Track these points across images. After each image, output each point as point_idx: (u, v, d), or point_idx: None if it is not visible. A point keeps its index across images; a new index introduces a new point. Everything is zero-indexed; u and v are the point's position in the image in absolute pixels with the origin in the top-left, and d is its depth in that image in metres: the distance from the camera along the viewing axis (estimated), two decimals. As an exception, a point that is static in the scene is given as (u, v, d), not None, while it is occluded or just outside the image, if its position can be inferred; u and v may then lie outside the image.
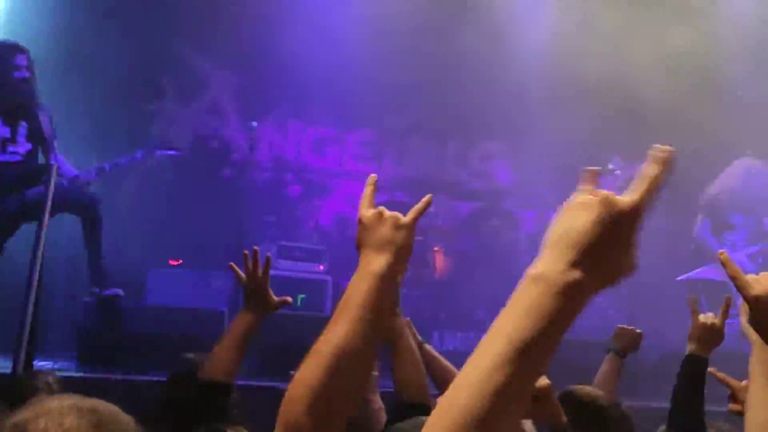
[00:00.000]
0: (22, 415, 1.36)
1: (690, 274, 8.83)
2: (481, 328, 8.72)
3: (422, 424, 1.14)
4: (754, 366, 2.14)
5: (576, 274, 1.13)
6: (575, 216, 1.17)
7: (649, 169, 1.16)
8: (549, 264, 1.15)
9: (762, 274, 1.93)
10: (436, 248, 9.22)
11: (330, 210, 10.83)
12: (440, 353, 8.49)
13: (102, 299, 6.84)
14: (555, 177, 10.14)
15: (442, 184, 10.11)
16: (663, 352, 7.02)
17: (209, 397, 3.05)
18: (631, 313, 7.94)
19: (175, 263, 8.73)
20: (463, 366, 1.12)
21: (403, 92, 9.86)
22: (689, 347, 3.25)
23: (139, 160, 7.10)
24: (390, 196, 10.04)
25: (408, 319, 4.20)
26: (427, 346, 4.12)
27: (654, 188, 1.16)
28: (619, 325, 4.18)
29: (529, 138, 9.76)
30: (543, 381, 2.63)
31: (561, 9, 9.64)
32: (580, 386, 3.51)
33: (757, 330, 1.94)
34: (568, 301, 1.12)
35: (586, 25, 9.63)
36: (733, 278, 1.82)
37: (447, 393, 1.10)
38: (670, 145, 1.17)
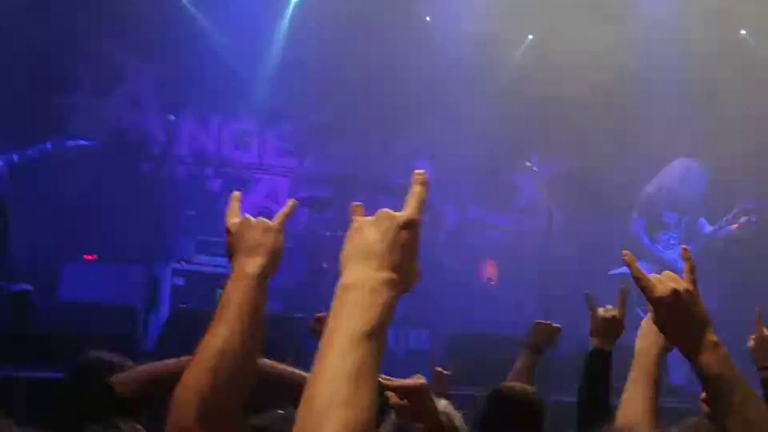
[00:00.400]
0: None
1: (623, 268, 8.97)
2: (400, 322, 8.76)
3: (279, 417, 1.18)
4: (634, 362, 2.31)
5: (385, 273, 1.28)
6: (364, 233, 1.32)
7: (414, 189, 1.34)
8: (356, 273, 1.28)
9: (664, 273, 1.95)
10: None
11: (251, 205, 10.70)
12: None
13: (10, 295, 6.63)
14: (475, 172, 10.25)
15: (364, 179, 10.09)
16: (583, 346, 7.11)
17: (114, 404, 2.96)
18: (547, 308, 8.04)
19: (90, 258, 8.52)
20: (314, 368, 1.21)
21: (324, 87, 9.81)
22: (592, 342, 3.28)
23: (50, 151, 6.89)
24: (312, 191, 9.98)
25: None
26: None
27: (420, 204, 1.33)
28: (536, 321, 4.20)
29: (451, 134, 9.81)
30: (418, 380, 2.66)
31: (487, 6, 9.70)
32: (509, 384, 3.52)
33: (660, 330, 1.97)
34: (383, 295, 1.26)
35: (510, 24, 9.72)
36: (637, 279, 1.89)
37: (307, 390, 1.18)
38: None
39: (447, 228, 9.84)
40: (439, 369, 4.53)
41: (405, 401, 2.54)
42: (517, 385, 3.43)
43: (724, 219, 8.92)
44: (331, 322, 1.24)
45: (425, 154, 10.74)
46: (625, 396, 2.36)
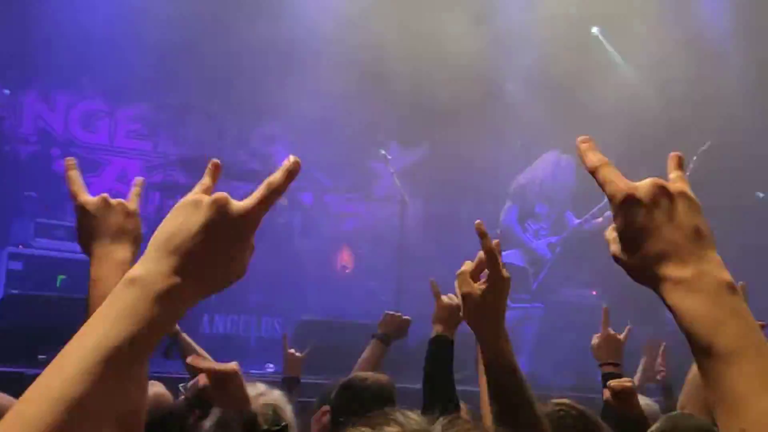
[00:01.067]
0: None
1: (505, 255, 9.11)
2: (253, 310, 8.60)
3: None
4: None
5: (176, 279, 1.06)
6: (186, 217, 1.11)
7: (272, 177, 1.12)
8: (150, 267, 1.06)
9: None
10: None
11: (101, 188, 10.19)
12: (210, 337, 8.28)
13: None
14: (332, 160, 10.17)
15: (220, 163, 9.84)
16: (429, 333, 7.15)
17: None
18: (399, 298, 8.06)
19: None
20: (44, 370, 0.97)
21: (179, 68, 9.50)
22: (435, 329, 3.27)
23: None
24: (165, 174, 9.68)
25: None
26: (183, 335, 3.93)
27: (270, 195, 1.12)
28: (386, 311, 4.17)
29: (310, 120, 9.70)
30: (232, 365, 2.59)
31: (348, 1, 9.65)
32: (361, 375, 3.47)
33: (469, 325, 1.93)
34: (165, 306, 1.04)
35: (373, 17, 9.67)
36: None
37: (18, 403, 0.94)
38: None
39: (303, 215, 9.72)
40: (292, 351, 4.45)
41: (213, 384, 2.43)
42: (370, 375, 3.39)
43: (590, 212, 9.15)
44: (95, 316, 1.01)
45: (284, 139, 10.58)
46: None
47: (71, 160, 1.80)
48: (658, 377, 4.75)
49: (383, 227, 9.61)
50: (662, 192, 1.10)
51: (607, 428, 2.79)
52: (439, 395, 3.15)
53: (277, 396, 2.75)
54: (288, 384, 4.06)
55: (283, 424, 2.37)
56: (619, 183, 1.13)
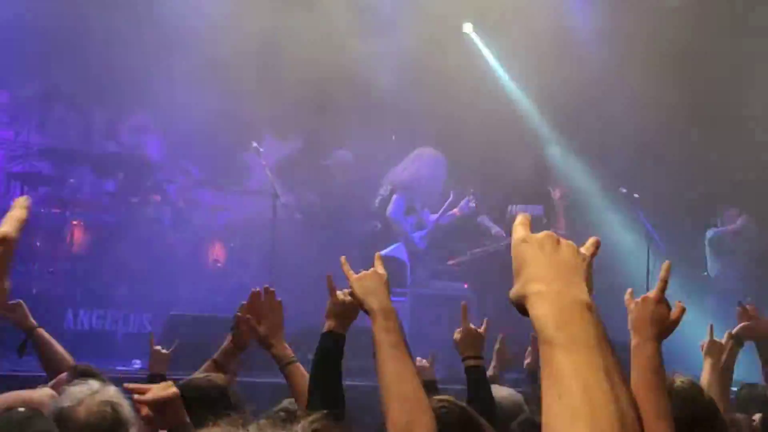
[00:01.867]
0: None
1: (384, 251, 9.15)
2: (120, 305, 8.40)
3: None
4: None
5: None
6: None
7: (14, 211, 1.27)
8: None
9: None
10: (74, 222, 8.70)
11: (-42, 179, 9.84)
12: (75, 333, 8.05)
13: None
14: (204, 152, 10.04)
15: (88, 155, 9.57)
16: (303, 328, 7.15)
17: None
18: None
19: None
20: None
21: (44, 54, 9.17)
22: (327, 324, 3.29)
23: None
24: (29, 165, 9.34)
25: (19, 300, 3.89)
26: (40, 331, 3.83)
27: (19, 223, 1.26)
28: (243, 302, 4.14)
29: (181, 110, 9.53)
30: (170, 389, 2.58)
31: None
32: (199, 376, 3.45)
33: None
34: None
35: (242, 7, 9.59)
36: None
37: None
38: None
39: (173, 208, 9.55)
40: (158, 348, 4.41)
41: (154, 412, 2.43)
42: (202, 377, 3.39)
43: (446, 204, 9.33)
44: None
45: (155, 129, 10.35)
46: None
47: None
48: (525, 365, 4.92)
49: (256, 221, 9.55)
50: (550, 238, 1.33)
51: (487, 425, 2.87)
52: (324, 390, 3.17)
53: (113, 393, 2.74)
54: (153, 381, 4.01)
55: None
56: (524, 231, 1.35)
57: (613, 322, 1.51)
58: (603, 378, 1.15)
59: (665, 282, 2.47)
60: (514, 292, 1.30)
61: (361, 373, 5.26)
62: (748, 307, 4.28)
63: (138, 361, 7.40)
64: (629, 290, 2.57)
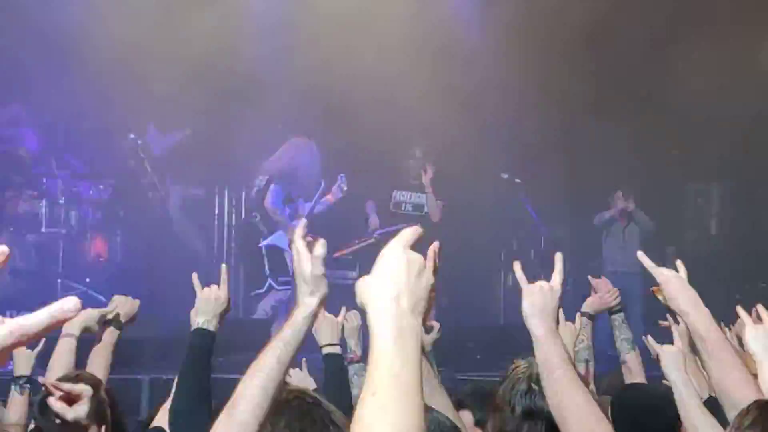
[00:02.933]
0: None
1: (266, 241, 9.07)
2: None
3: None
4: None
5: None
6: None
7: None
8: None
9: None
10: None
11: None
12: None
13: None
14: (84, 145, 9.74)
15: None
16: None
17: None
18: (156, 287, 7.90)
19: None
20: None
21: None
22: (198, 320, 3.26)
23: None
24: None
25: None
26: None
27: None
28: (116, 295, 4.09)
29: (56, 104, 9.21)
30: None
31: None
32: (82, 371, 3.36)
33: None
34: None
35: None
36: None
37: None
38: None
39: (51, 202, 9.22)
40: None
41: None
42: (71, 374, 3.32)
43: (319, 192, 9.33)
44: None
45: (31, 122, 9.95)
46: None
47: None
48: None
49: (138, 214, 9.35)
50: (418, 263, 1.48)
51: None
52: (194, 385, 3.14)
53: None
54: (19, 382, 3.88)
55: None
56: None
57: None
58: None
59: (561, 272, 2.57)
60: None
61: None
62: (594, 281, 4.51)
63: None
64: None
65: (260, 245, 9.05)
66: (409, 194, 9.46)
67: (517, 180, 9.81)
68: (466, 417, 3.50)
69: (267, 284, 9.01)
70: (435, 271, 1.50)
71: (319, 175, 9.41)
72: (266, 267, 9.03)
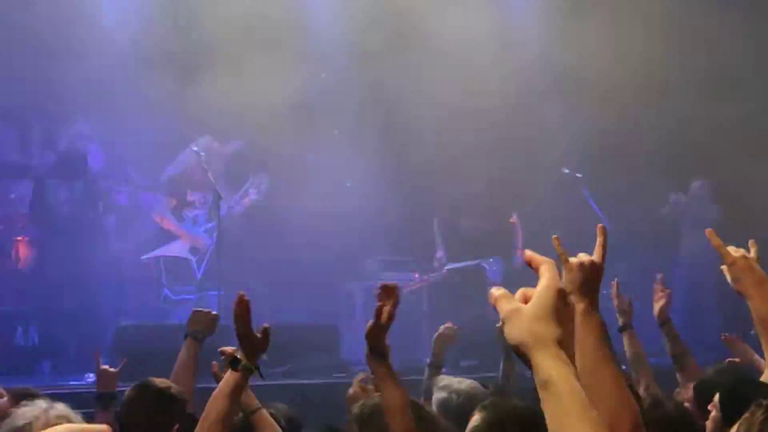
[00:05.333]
0: None
1: (155, 251, 9.15)
2: (69, 318, 8.31)
3: None
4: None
5: None
6: None
7: None
8: None
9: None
10: (18, 238, 8.60)
11: None
12: (26, 349, 7.96)
13: None
14: (146, 158, 9.95)
15: (27, 167, 9.44)
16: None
17: None
18: (221, 295, 8.02)
19: None
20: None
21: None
22: None
23: None
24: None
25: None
26: None
27: None
28: (194, 309, 4.19)
29: (120, 119, 9.44)
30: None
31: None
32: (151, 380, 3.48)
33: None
34: None
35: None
36: None
37: None
38: None
39: (118, 216, 9.45)
40: (105, 367, 4.43)
41: None
42: (157, 380, 3.45)
43: (238, 194, 9.40)
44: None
45: (96, 138, 10.18)
46: None
47: None
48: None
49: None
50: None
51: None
52: None
53: (62, 408, 2.78)
54: (102, 399, 4.03)
55: None
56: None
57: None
58: None
59: (604, 246, 2.35)
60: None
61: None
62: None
63: (91, 375, 7.35)
64: None
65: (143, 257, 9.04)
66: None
67: (579, 174, 9.81)
68: None
69: (163, 296, 8.97)
70: None
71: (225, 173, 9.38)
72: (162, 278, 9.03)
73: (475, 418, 2.68)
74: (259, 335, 2.94)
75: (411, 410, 2.94)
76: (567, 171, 9.82)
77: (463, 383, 3.94)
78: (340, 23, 10.10)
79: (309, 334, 7.95)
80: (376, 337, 2.93)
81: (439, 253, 9.83)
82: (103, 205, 9.32)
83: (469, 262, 9.54)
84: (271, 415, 3.35)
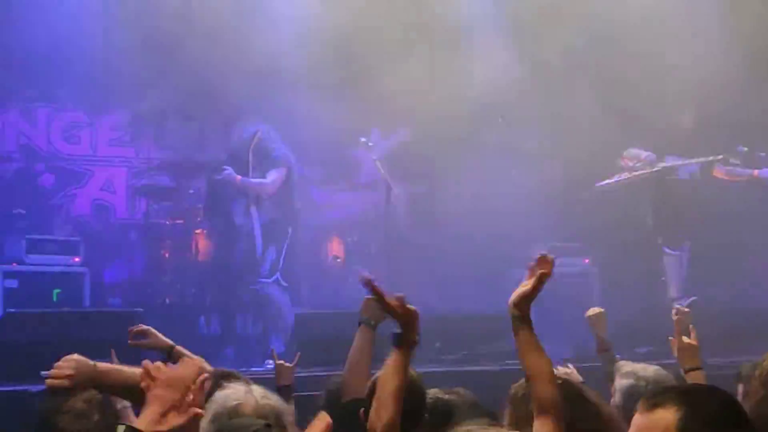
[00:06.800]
0: None
1: None
2: (247, 307, 8.64)
3: None
4: None
5: None
6: None
7: None
8: None
9: None
10: (197, 231, 9.00)
11: (87, 198, 10.36)
12: (207, 338, 8.34)
13: None
14: (315, 152, 10.22)
15: (201, 164, 9.88)
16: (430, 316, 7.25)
17: None
18: (392, 283, 8.13)
19: None
20: None
21: (155, 72, 9.50)
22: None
23: None
24: (150, 179, 9.71)
25: (145, 327, 4.06)
26: (178, 348, 3.99)
27: None
28: (366, 297, 4.24)
29: (294, 112, 9.72)
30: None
31: None
32: None
33: None
34: None
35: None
36: None
37: None
38: None
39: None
40: (281, 362, 4.57)
41: None
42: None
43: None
44: None
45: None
46: None
47: None
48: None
49: (370, 215, 9.69)
50: None
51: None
52: None
53: (262, 390, 2.88)
54: (283, 393, 4.17)
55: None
56: None
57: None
58: None
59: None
60: None
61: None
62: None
63: (270, 362, 7.61)
64: None
65: None
66: None
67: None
68: None
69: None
70: None
71: None
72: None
73: None
74: (402, 308, 2.97)
75: (571, 392, 2.92)
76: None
77: (648, 369, 3.89)
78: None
79: (479, 323, 7.95)
80: (525, 305, 2.91)
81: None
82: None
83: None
84: (452, 401, 3.34)
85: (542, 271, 2.88)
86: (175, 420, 2.12)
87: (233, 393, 2.81)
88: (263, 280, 8.47)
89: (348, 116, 9.53)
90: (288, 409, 2.93)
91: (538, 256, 2.91)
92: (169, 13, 9.14)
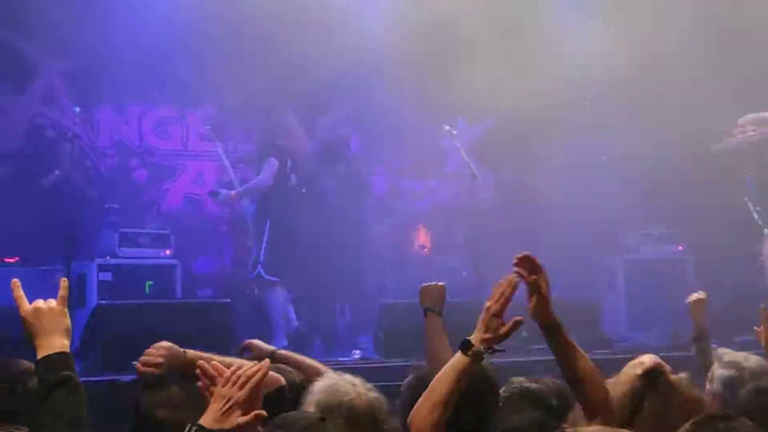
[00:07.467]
0: None
1: None
2: (334, 298, 8.66)
3: None
4: None
5: None
6: None
7: None
8: None
9: None
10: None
11: (179, 192, 10.57)
12: (294, 329, 8.37)
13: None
14: (399, 142, 10.22)
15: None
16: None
17: None
18: (479, 272, 8.08)
19: (12, 260, 8.30)
20: None
21: (240, 65, 9.60)
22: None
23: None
24: (240, 173, 9.82)
25: (248, 342, 4.06)
26: (280, 352, 4.00)
27: None
28: (422, 285, 4.20)
29: (377, 102, 9.72)
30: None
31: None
32: None
33: None
34: None
35: None
36: None
37: None
38: None
39: (375, 198, 9.76)
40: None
41: None
42: None
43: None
44: None
45: (351, 125, 10.60)
46: None
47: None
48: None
49: (456, 204, 9.63)
50: None
51: None
52: None
53: (366, 385, 2.86)
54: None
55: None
56: None
57: None
58: None
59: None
60: None
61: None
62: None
63: (357, 351, 7.66)
64: None
65: None
66: None
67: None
68: None
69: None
70: None
71: None
72: None
73: None
74: (507, 326, 2.80)
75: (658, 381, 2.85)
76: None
77: (749, 360, 3.74)
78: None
79: (570, 310, 7.78)
80: (542, 313, 2.83)
81: None
82: (363, 188, 9.62)
83: None
84: (538, 390, 3.26)
85: (533, 276, 2.84)
86: (238, 418, 2.13)
87: (342, 387, 2.79)
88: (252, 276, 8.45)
89: (434, 105, 9.50)
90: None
91: (514, 261, 2.89)
92: (257, 8, 9.22)
